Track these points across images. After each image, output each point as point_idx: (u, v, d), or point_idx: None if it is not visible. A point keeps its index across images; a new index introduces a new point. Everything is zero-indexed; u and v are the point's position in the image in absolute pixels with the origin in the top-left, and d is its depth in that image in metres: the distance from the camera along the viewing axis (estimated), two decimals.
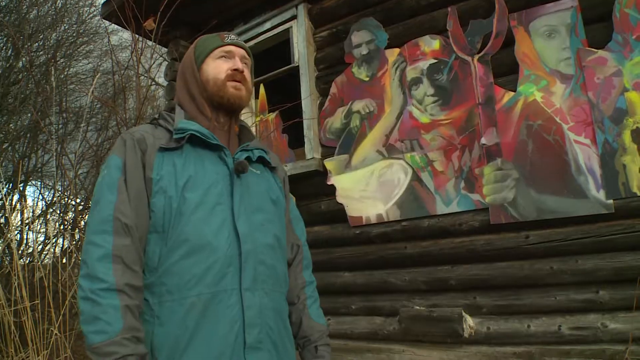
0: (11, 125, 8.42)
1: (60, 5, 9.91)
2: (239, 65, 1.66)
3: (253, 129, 4.66)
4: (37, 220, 7.54)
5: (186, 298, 1.41)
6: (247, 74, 1.70)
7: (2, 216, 7.31)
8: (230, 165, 1.58)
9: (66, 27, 10.06)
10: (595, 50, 3.08)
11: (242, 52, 1.72)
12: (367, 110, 3.96)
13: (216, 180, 1.54)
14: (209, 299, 1.42)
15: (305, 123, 4.31)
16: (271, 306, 1.55)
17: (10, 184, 7.76)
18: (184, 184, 1.48)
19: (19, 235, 6.79)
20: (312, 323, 1.75)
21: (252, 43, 4.86)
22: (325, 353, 1.72)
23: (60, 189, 8.10)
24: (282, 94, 5.17)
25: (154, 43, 4.86)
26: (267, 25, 4.78)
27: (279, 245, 1.66)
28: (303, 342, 1.73)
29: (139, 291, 1.40)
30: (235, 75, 1.64)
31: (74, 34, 10.13)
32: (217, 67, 1.65)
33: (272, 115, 4.75)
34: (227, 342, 1.41)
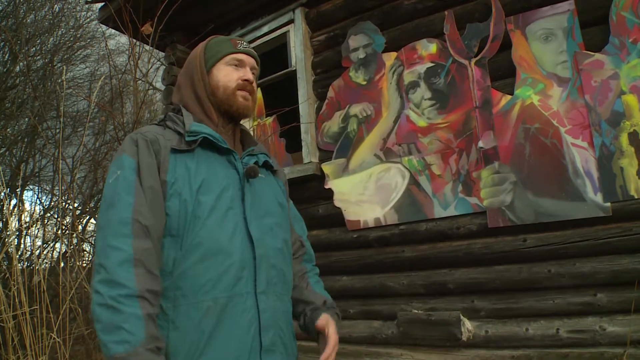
0: (8, 129, 8.42)
1: (57, 9, 9.93)
2: (250, 76, 1.66)
3: (250, 133, 4.66)
4: (34, 225, 7.54)
5: (202, 302, 1.40)
6: (255, 84, 1.71)
7: (0, 221, 7.30)
8: (240, 170, 1.59)
9: (63, 32, 10.08)
10: (592, 53, 3.08)
11: (252, 61, 1.72)
12: (365, 114, 3.96)
13: (227, 184, 1.54)
14: (225, 302, 1.42)
15: (302, 127, 4.31)
16: (282, 309, 1.57)
17: (8, 189, 7.75)
18: (198, 187, 1.47)
19: (16, 240, 6.79)
20: (317, 294, 1.75)
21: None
22: (332, 313, 1.68)
23: (57, 193, 8.10)
24: (280, 98, 5.18)
25: (151, 47, 4.87)
26: (265, 29, 4.78)
27: (287, 249, 1.68)
28: (309, 311, 1.69)
29: (158, 297, 1.37)
30: (245, 85, 1.65)
31: (71, 39, 10.14)
32: (228, 75, 1.65)
33: (270, 119, 4.75)
34: (245, 345, 1.42)
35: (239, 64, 1.67)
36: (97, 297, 1.30)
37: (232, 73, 1.65)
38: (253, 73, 1.71)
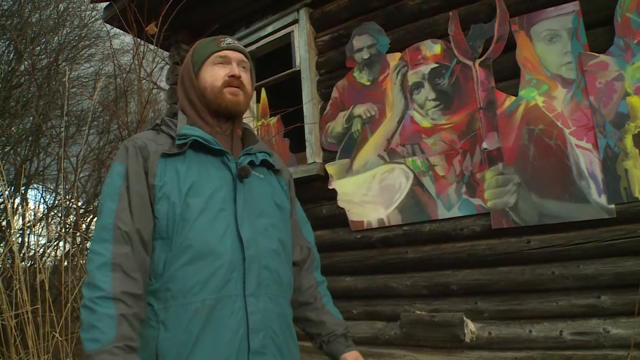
0: (13, 128, 8.44)
1: (62, 9, 9.95)
2: (236, 71, 1.65)
3: (253, 131, 4.66)
4: (38, 224, 7.55)
5: (191, 304, 1.42)
6: (246, 77, 1.70)
7: (4, 219, 7.32)
8: (233, 170, 1.59)
9: (68, 31, 10.11)
10: (597, 54, 3.07)
11: (239, 56, 1.70)
12: (369, 115, 3.96)
13: (219, 185, 1.54)
14: (213, 304, 1.43)
15: (306, 127, 4.31)
16: (276, 311, 1.55)
17: (12, 187, 7.77)
18: (187, 190, 1.49)
19: (20, 239, 6.81)
20: (334, 319, 1.77)
21: (253, 47, 4.86)
22: (352, 342, 1.75)
23: (61, 192, 8.11)
24: (284, 98, 5.17)
25: (155, 47, 4.88)
26: (269, 29, 4.78)
27: (284, 249, 1.66)
28: (328, 337, 1.73)
29: (138, 299, 1.40)
30: (232, 81, 1.64)
31: (76, 38, 10.17)
32: (213, 75, 1.65)
33: (274, 120, 4.75)
34: (232, 348, 1.42)
35: (224, 61, 1.67)
36: (82, 299, 1.37)
37: (218, 72, 1.65)
38: (243, 67, 1.71)
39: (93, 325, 1.30)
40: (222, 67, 1.66)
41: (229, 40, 1.72)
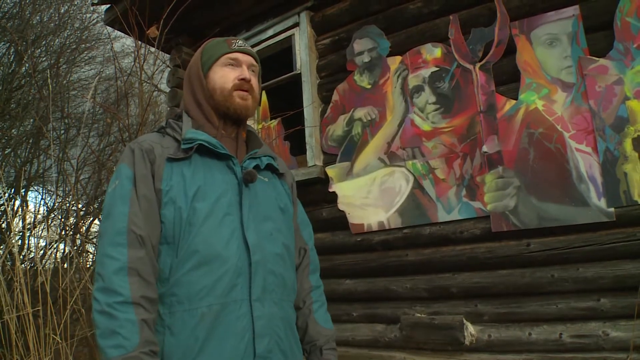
0: (13, 130, 8.43)
1: (63, 11, 9.95)
2: (246, 74, 1.64)
3: (257, 135, 4.66)
4: (38, 226, 7.55)
5: (197, 309, 1.41)
6: (255, 82, 1.69)
7: (4, 221, 7.32)
8: (238, 175, 1.58)
9: (69, 33, 10.10)
10: (597, 58, 3.09)
11: (249, 59, 1.70)
12: (369, 118, 3.97)
13: (225, 190, 1.54)
14: (219, 309, 1.43)
15: (307, 130, 4.32)
16: (280, 316, 1.55)
17: (12, 189, 7.77)
18: (194, 195, 1.48)
19: (20, 241, 6.81)
20: (318, 328, 1.76)
21: (254, 50, 4.85)
22: (331, 357, 1.73)
23: (61, 194, 8.12)
24: (284, 101, 5.18)
25: (156, 49, 4.88)
26: (270, 32, 4.79)
27: (288, 254, 1.66)
28: (309, 347, 1.74)
29: (154, 303, 1.40)
30: (242, 84, 1.63)
31: (77, 40, 10.16)
32: (224, 76, 1.63)
33: (274, 123, 4.75)
34: (237, 353, 1.42)
35: (235, 64, 1.66)
36: (95, 304, 1.35)
37: (228, 74, 1.64)
38: (252, 71, 1.70)
39: (115, 331, 1.29)
40: (232, 70, 1.65)
41: (240, 42, 1.71)
